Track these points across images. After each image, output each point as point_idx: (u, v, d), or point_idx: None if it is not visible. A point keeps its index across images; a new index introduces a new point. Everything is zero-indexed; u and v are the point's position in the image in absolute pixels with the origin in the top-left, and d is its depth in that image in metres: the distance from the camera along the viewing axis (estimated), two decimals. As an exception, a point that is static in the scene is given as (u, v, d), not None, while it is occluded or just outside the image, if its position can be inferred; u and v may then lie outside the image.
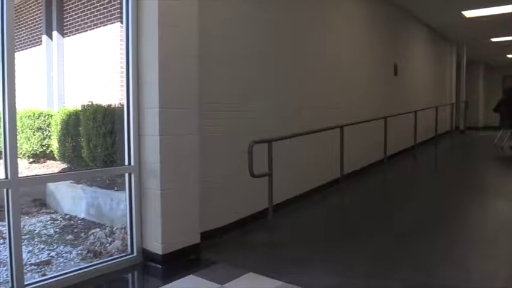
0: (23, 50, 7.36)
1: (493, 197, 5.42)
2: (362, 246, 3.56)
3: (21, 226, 2.84)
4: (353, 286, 2.76)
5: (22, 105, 6.03)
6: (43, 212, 5.19)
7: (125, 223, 3.46)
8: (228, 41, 3.94)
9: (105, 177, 5.02)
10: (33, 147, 6.00)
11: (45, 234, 4.47)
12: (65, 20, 6.63)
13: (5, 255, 2.89)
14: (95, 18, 6.07)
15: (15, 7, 2.89)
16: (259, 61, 4.38)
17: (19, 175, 2.56)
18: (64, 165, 5.85)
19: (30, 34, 7.25)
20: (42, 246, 4.09)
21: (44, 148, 6.07)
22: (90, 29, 6.17)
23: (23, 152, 5.97)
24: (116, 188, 4.75)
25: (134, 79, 3.17)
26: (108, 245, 3.98)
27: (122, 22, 4.59)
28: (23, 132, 5.92)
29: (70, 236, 4.40)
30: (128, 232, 3.27)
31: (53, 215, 5.09)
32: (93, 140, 5.03)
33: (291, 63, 4.91)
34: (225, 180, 3.92)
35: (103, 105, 5.12)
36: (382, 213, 4.73)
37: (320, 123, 5.31)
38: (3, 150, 2.51)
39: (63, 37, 6.68)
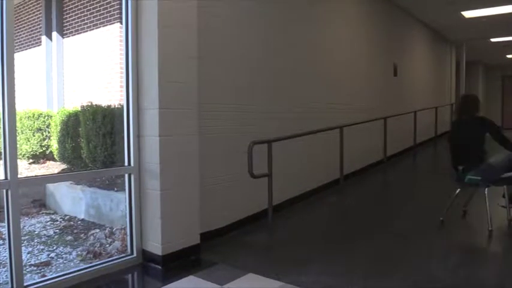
0: (22, 50, 7.37)
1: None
2: (362, 247, 3.56)
3: (21, 227, 2.84)
4: (352, 287, 2.75)
5: (22, 106, 6.04)
6: (43, 213, 5.19)
7: (125, 224, 3.46)
8: (227, 41, 3.94)
9: (104, 178, 5.02)
10: (32, 148, 6.00)
11: (44, 235, 4.47)
12: (64, 21, 6.64)
13: (5, 256, 2.89)
14: (94, 18, 6.07)
15: (15, 7, 2.88)
16: (258, 61, 4.38)
17: (19, 176, 2.55)
18: (64, 166, 5.85)
19: (30, 35, 7.26)
20: (42, 247, 4.09)
21: (44, 149, 6.07)
22: (89, 30, 6.17)
23: (23, 153, 5.97)
24: (115, 189, 4.75)
25: (134, 80, 3.17)
26: (107, 245, 3.98)
27: (121, 23, 4.60)
28: (22, 133, 5.92)
29: (70, 237, 4.39)
30: (128, 233, 3.26)
31: (53, 216, 5.09)
32: (92, 141, 5.03)
33: (290, 64, 4.91)
34: (224, 180, 3.91)
35: (103, 105, 5.12)
36: (381, 214, 4.73)
37: (320, 123, 5.31)
38: (2, 151, 2.51)
39: (63, 38, 6.68)
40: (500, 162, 3.77)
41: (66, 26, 6.62)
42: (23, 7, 7.38)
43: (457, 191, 4.08)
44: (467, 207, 4.37)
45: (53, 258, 3.83)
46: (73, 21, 6.48)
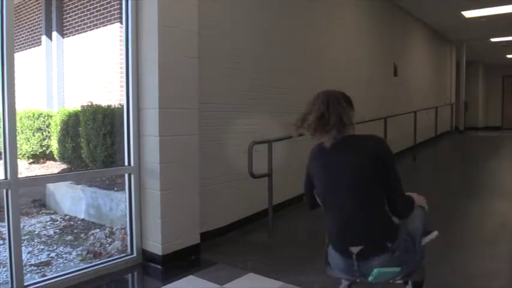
0: (22, 50, 7.36)
1: (493, 197, 5.41)
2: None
3: (21, 227, 2.84)
4: (352, 286, 2.75)
5: (22, 106, 6.03)
6: (43, 213, 5.19)
7: (125, 224, 3.46)
8: (227, 40, 3.94)
9: (104, 177, 5.02)
10: (32, 148, 6.00)
11: (44, 235, 4.47)
12: (64, 21, 6.63)
13: (5, 256, 2.89)
14: (94, 18, 6.07)
15: (15, 7, 2.89)
16: (259, 61, 4.38)
17: (19, 176, 2.56)
18: (64, 166, 5.85)
19: (30, 34, 7.25)
20: (42, 247, 4.09)
21: (44, 149, 6.07)
22: (89, 30, 6.17)
23: (23, 153, 5.97)
24: (115, 189, 4.75)
25: (134, 79, 3.17)
26: (108, 245, 3.98)
27: (121, 22, 4.60)
28: (22, 133, 5.91)
29: (70, 237, 4.39)
30: (128, 233, 3.26)
31: (53, 216, 5.09)
32: (93, 141, 5.03)
33: (290, 64, 4.91)
34: (224, 180, 3.91)
35: (103, 105, 5.12)
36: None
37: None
38: (2, 150, 2.51)
39: (63, 37, 6.68)
40: (418, 227, 2.07)
41: (66, 25, 6.61)
42: (23, 7, 7.38)
43: None
44: None
45: (53, 258, 3.83)
46: (73, 21, 6.48)
